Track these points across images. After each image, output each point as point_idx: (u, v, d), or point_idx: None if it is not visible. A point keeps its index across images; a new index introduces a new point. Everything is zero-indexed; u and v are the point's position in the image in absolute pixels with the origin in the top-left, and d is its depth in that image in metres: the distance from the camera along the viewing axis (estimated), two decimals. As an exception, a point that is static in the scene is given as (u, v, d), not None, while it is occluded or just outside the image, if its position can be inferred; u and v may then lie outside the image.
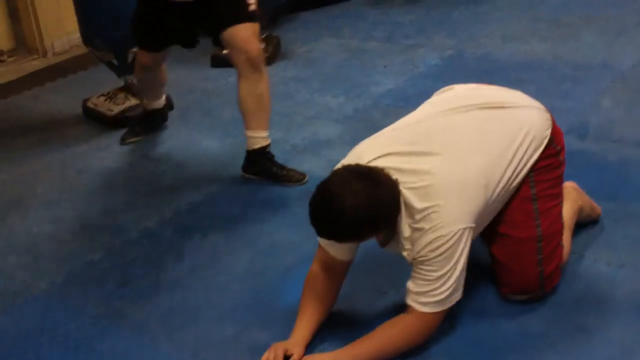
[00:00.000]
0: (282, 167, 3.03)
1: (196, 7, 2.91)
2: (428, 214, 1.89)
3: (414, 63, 4.22)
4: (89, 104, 3.80)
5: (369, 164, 1.94)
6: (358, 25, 5.04)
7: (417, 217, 1.90)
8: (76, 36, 3.93)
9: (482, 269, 2.25)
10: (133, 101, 3.73)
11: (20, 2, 4.66)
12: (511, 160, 2.03)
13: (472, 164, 1.96)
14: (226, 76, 4.09)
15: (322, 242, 2.07)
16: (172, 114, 3.69)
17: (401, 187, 1.91)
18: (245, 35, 2.84)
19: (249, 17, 2.86)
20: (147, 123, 3.54)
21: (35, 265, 2.62)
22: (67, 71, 4.49)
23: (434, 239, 1.88)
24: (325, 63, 4.39)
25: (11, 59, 4.69)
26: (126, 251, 2.65)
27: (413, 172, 1.93)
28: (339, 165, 2.00)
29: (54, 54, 4.69)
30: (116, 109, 3.70)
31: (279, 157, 3.10)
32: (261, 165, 3.02)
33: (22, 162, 3.41)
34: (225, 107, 3.77)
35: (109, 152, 3.44)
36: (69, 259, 2.63)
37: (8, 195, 3.12)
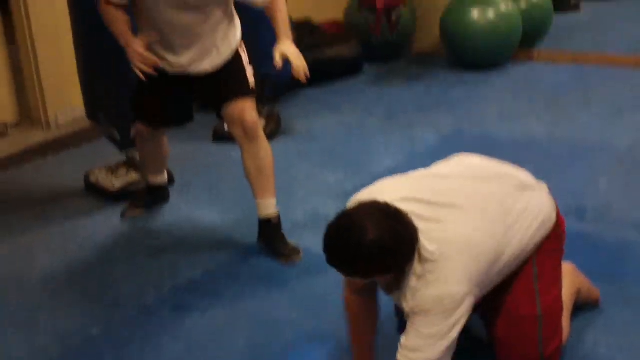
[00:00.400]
0: (284, 244, 3.05)
1: (197, 82, 3.00)
2: (438, 266, 1.89)
3: (412, 141, 4.28)
4: (91, 178, 3.83)
5: (391, 204, 1.93)
6: (358, 102, 5.13)
7: (427, 266, 1.90)
8: (80, 109, 3.97)
9: (480, 349, 2.24)
10: (135, 176, 3.76)
11: (26, 74, 4.74)
12: (521, 239, 2.06)
13: (491, 230, 1.99)
14: (228, 151, 4.13)
15: None
16: (173, 189, 3.72)
17: (419, 235, 1.92)
18: (242, 108, 2.95)
19: (246, 92, 3.00)
20: (149, 198, 3.57)
21: (32, 339, 2.60)
22: (70, 144, 4.53)
23: (438, 294, 1.88)
24: (325, 139, 4.45)
25: (14, 131, 4.74)
26: (124, 328, 2.64)
27: (433, 221, 1.94)
28: (358, 198, 2.02)
29: (57, 126, 4.74)
30: (118, 183, 3.73)
31: (279, 233, 3.12)
32: (265, 237, 3.08)
33: (23, 234, 3.42)
34: (227, 182, 3.81)
35: (109, 226, 3.45)
36: (66, 333, 2.62)
37: (8, 268, 3.12)
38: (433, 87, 5.33)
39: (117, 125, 3.71)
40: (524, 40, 5.75)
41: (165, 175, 3.58)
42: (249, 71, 3.05)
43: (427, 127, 4.49)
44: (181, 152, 4.06)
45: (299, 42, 5.26)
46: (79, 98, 3.88)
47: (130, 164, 3.81)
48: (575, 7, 7.91)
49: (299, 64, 2.87)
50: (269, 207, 3.06)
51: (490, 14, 5.50)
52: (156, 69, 2.88)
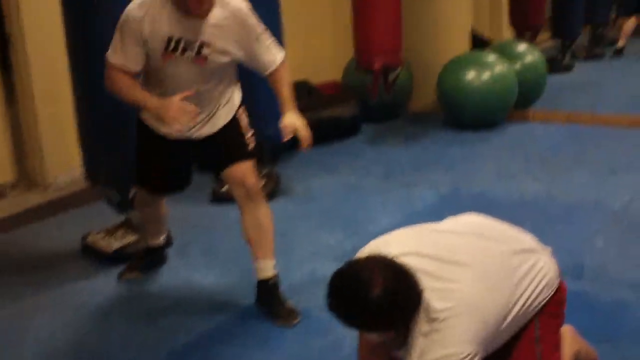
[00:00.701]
0: (282, 306, 3.05)
1: (198, 147, 3.04)
2: (446, 325, 1.88)
3: (410, 200, 4.31)
4: (88, 241, 3.83)
5: (397, 258, 1.93)
6: (356, 162, 5.17)
7: (434, 325, 1.89)
8: (80, 171, 4.00)
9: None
10: (132, 237, 3.77)
11: (26, 135, 4.78)
12: (526, 300, 2.06)
13: (499, 291, 1.99)
14: (226, 212, 4.15)
15: None
16: (170, 250, 3.72)
17: (426, 292, 1.92)
18: (243, 170, 3.00)
19: (247, 155, 3.05)
20: (147, 260, 3.57)
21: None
22: (68, 206, 4.54)
23: (445, 354, 1.87)
24: (323, 200, 4.47)
25: (13, 192, 4.76)
26: (120, 393, 2.61)
27: (441, 279, 1.94)
28: (365, 250, 2.03)
29: (56, 188, 4.76)
30: (115, 245, 3.73)
31: (277, 295, 3.11)
32: (263, 299, 3.08)
33: (19, 298, 3.40)
34: (224, 243, 3.81)
35: (106, 289, 3.44)
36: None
37: (4, 332, 3.10)
38: (430, 146, 5.38)
39: (116, 187, 3.74)
40: (519, 100, 5.83)
41: (163, 238, 3.57)
42: (249, 134, 3.09)
43: (425, 186, 4.52)
44: (179, 214, 4.07)
45: (297, 103, 5.34)
46: (79, 159, 3.91)
47: (128, 226, 3.82)
48: (568, 68, 8.05)
49: (305, 135, 2.94)
50: (268, 268, 3.05)
51: (486, 74, 5.59)
52: (157, 134, 2.93)
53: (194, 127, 2.96)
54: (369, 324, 1.90)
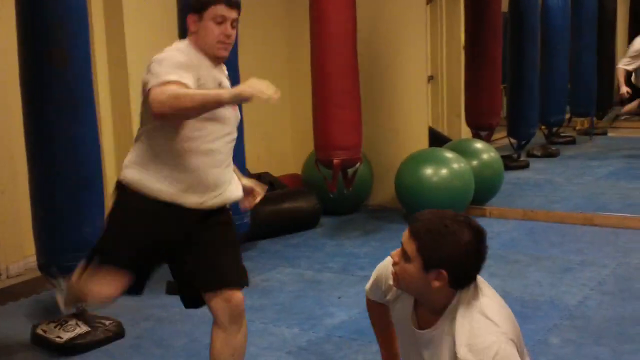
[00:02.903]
0: None
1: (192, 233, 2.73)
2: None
3: (367, 295, 4.29)
4: (38, 330, 3.74)
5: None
6: (314, 256, 5.17)
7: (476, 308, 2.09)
8: (33, 260, 3.94)
9: None
10: (84, 328, 3.69)
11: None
12: None
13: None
14: (181, 304, 4.09)
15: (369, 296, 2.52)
16: (122, 343, 3.65)
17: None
18: (241, 301, 2.78)
19: (245, 282, 2.85)
20: None
21: None
22: (19, 294, 4.45)
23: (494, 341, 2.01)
24: (281, 293, 4.43)
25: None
26: None
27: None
28: None
29: (7, 276, 4.67)
30: (65, 336, 3.64)
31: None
32: None
33: (-38, 390, 3.29)
34: (179, 337, 3.74)
35: (54, 382, 3.34)
36: None
37: None
38: (389, 240, 5.41)
39: (67, 278, 3.68)
40: (476, 196, 5.93)
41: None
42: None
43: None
44: (133, 305, 4.00)
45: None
46: (32, 248, 3.86)
47: (79, 317, 3.74)
48: (524, 166, 8.24)
49: (259, 190, 2.98)
50: None
51: (444, 170, 5.69)
52: (158, 205, 2.63)
53: (214, 192, 2.69)
54: (432, 242, 2.06)
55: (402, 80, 6.37)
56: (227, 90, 2.57)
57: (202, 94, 2.49)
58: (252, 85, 2.38)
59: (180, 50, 2.63)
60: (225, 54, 2.70)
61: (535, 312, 3.92)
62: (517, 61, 8.18)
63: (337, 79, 5.36)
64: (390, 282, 2.27)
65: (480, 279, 2.17)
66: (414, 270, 2.10)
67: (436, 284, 2.08)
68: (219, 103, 2.49)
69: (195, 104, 2.45)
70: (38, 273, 4.17)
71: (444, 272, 2.06)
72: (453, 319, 2.10)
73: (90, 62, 3.65)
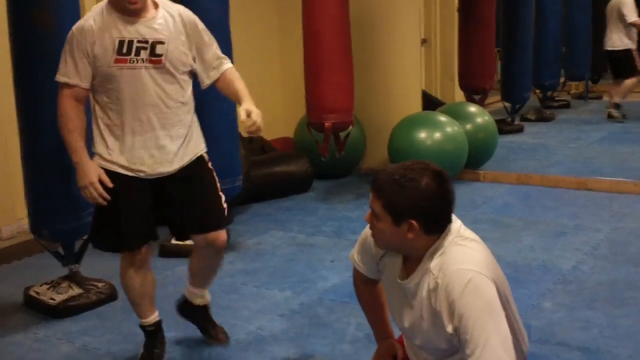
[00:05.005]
0: (213, 325, 3.25)
1: (166, 193, 2.90)
2: (468, 243, 2.13)
3: (360, 258, 4.28)
4: (31, 292, 3.73)
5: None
6: (307, 220, 5.16)
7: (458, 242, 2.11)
8: (25, 222, 3.92)
9: None
10: (76, 290, 3.68)
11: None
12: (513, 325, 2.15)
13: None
14: (173, 266, 4.09)
15: (357, 263, 2.47)
16: (115, 304, 3.65)
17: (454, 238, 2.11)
18: (217, 235, 2.98)
19: (225, 223, 3.06)
20: (152, 345, 3.09)
21: None
22: (12, 257, 4.44)
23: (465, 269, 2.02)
24: (273, 256, 4.43)
25: (-45, 242, 4.64)
26: None
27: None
28: None
29: (0, 239, 4.64)
30: (58, 298, 3.64)
31: (222, 353, 3.07)
32: (197, 318, 3.25)
33: (-46, 352, 3.28)
34: (171, 299, 3.71)
35: (47, 344, 3.33)
36: None
37: None
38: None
39: (61, 241, 3.66)
40: (470, 160, 5.91)
41: (157, 314, 3.12)
42: (223, 195, 3.02)
43: (375, 245, 4.51)
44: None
45: (248, 157, 5.33)
46: (24, 211, 3.83)
47: (72, 279, 3.73)
48: (518, 130, 8.22)
49: (258, 121, 2.82)
50: (207, 297, 3.21)
51: (437, 134, 5.66)
52: (122, 177, 2.82)
53: (165, 158, 2.84)
54: (396, 195, 2.05)
55: (395, 43, 6.30)
56: (84, 162, 2.75)
57: (68, 139, 2.76)
58: (88, 185, 2.75)
59: (91, 17, 2.74)
60: (136, 6, 2.71)
61: (528, 276, 3.93)
62: (510, 24, 8.11)
63: (328, 40, 5.29)
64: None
65: (463, 227, 2.16)
66: (385, 227, 2.10)
67: (410, 235, 2.07)
68: (71, 155, 2.78)
69: (64, 138, 2.78)
70: (30, 236, 4.16)
71: (414, 222, 2.06)
72: (430, 258, 2.10)
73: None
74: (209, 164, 3.02)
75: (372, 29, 6.29)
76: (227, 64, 2.99)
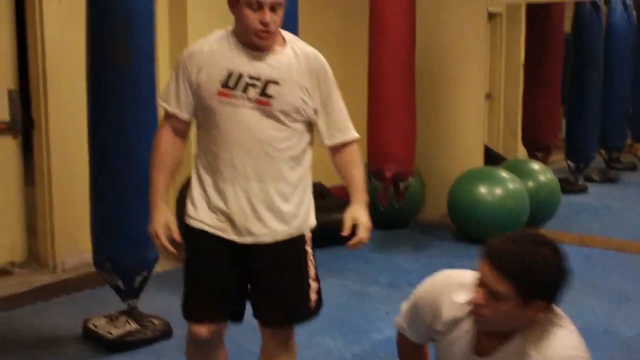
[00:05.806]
0: None
1: (246, 264, 2.55)
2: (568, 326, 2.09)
3: (416, 311, 4.24)
4: (90, 325, 3.80)
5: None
6: (363, 269, 5.14)
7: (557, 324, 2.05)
8: (88, 255, 4.01)
9: None
10: (133, 326, 3.73)
11: (40, 216, 4.82)
12: None
13: None
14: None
15: (405, 331, 2.37)
16: (169, 342, 3.68)
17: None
18: (288, 333, 2.67)
19: (304, 318, 2.70)
20: None
21: None
22: (73, 288, 4.53)
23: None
24: (327, 304, 4.35)
25: (21, 271, 4.76)
26: None
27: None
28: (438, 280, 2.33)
29: (63, 270, 4.75)
30: (115, 333, 3.69)
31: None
32: None
33: (13, 380, 3.35)
34: (225, 340, 3.75)
35: (102, 377, 3.38)
36: None
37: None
38: (438, 257, 5.35)
39: (122, 275, 3.72)
40: (531, 219, 5.83)
41: None
42: (316, 286, 2.67)
43: (431, 299, 4.46)
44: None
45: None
46: (88, 243, 3.92)
47: (130, 314, 3.78)
48: (583, 189, 8.08)
49: (363, 237, 2.58)
50: None
51: (498, 190, 5.62)
52: (209, 238, 2.49)
53: (257, 216, 2.47)
54: (521, 274, 1.95)
55: (459, 96, 6.31)
56: (156, 210, 2.48)
57: (152, 178, 2.50)
58: (154, 223, 2.48)
59: (206, 42, 2.46)
60: (264, 43, 2.38)
61: (588, 342, 3.80)
62: (577, 82, 8.04)
63: (393, 90, 5.31)
64: (445, 311, 2.19)
65: None
66: (510, 308, 1.98)
67: (533, 314, 2.01)
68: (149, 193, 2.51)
69: (150, 177, 2.51)
70: (92, 268, 4.24)
71: (541, 302, 2.00)
72: (525, 339, 2.02)
73: (154, 62, 3.68)
74: (309, 245, 2.67)
75: (437, 80, 6.32)
76: (354, 133, 2.62)
